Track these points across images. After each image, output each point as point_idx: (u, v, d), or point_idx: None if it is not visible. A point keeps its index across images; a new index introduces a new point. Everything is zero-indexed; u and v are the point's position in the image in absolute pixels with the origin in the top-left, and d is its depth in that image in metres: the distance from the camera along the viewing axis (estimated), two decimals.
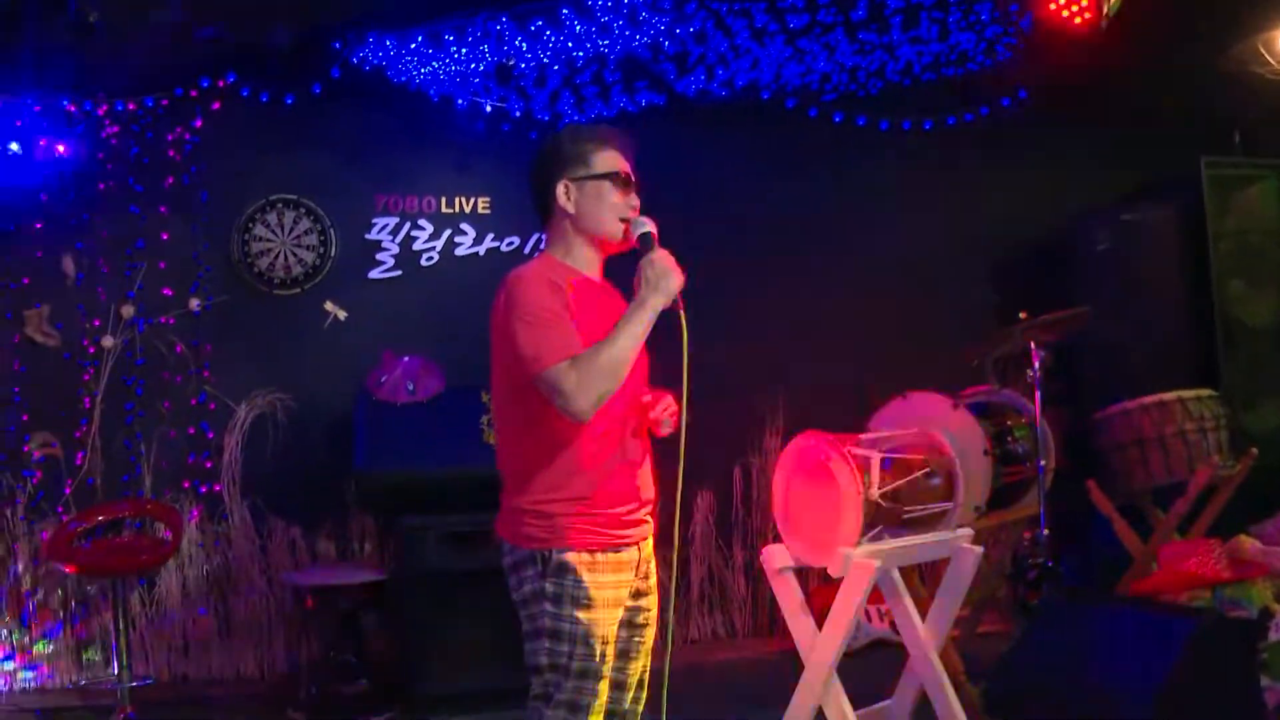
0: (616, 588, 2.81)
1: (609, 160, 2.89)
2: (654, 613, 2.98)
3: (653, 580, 2.97)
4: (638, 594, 2.91)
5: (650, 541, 2.96)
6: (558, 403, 2.65)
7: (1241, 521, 5.54)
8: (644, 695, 2.99)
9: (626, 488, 2.83)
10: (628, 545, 2.83)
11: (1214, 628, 3.75)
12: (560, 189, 2.89)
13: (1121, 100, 6.78)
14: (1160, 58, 6.49)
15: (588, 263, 2.90)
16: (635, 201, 2.90)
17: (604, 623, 2.77)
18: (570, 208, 2.89)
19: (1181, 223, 6.52)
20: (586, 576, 2.75)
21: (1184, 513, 5.45)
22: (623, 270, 2.91)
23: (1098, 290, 6.35)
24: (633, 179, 2.91)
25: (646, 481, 2.92)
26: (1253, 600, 4.91)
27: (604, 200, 2.87)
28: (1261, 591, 4.96)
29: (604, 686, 2.80)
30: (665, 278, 2.72)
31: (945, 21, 6.12)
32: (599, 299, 2.88)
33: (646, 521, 2.91)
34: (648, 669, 2.99)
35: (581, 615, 2.74)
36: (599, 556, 2.77)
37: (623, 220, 2.87)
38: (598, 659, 2.76)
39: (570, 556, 2.75)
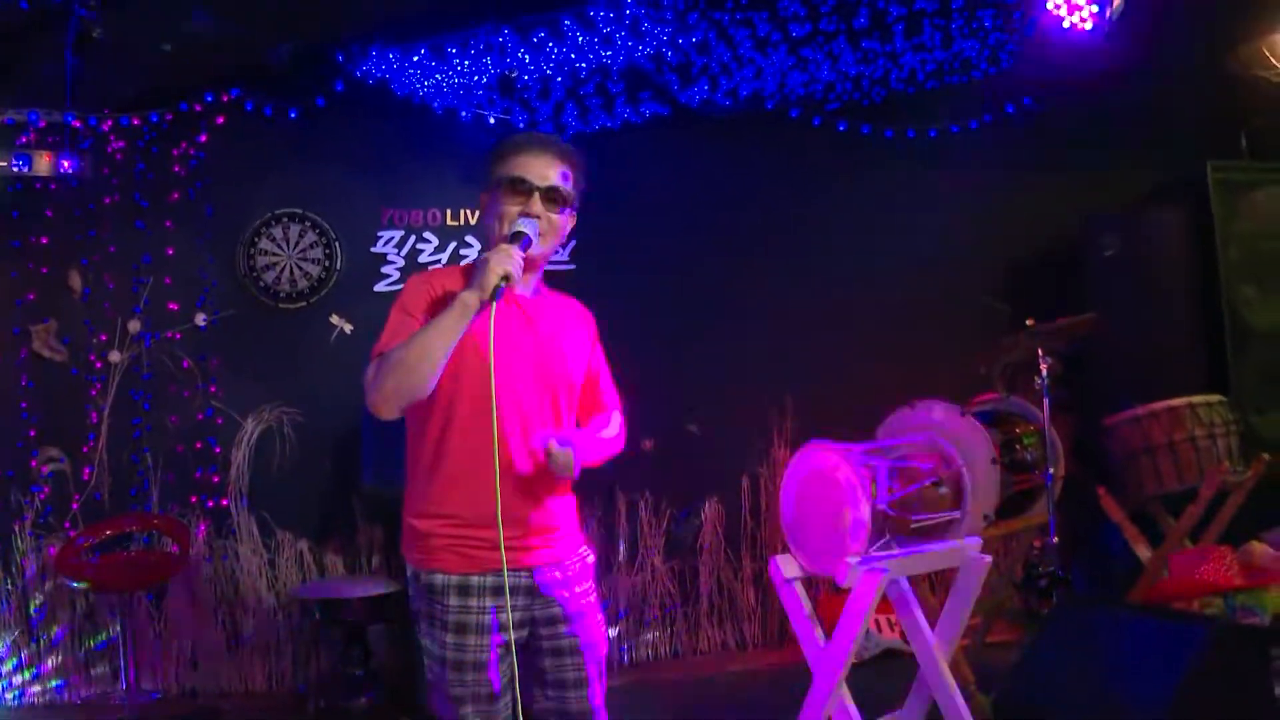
0: (493, 614, 2.66)
1: (511, 166, 2.79)
2: (583, 639, 2.79)
3: (563, 610, 2.76)
4: (551, 621, 2.76)
5: (566, 568, 2.80)
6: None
7: (1253, 528, 5.51)
8: None
9: (510, 510, 2.61)
10: (511, 569, 2.65)
11: (1226, 635, 3.72)
12: (481, 201, 2.89)
13: (1126, 105, 6.75)
14: (1165, 61, 6.48)
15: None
16: (535, 208, 2.75)
17: (476, 649, 2.65)
18: (483, 219, 2.87)
19: (1189, 227, 6.48)
20: (455, 600, 2.66)
21: (1195, 519, 5.42)
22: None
23: (1106, 296, 6.32)
24: (533, 185, 2.76)
25: (540, 507, 2.75)
26: (1265, 607, 4.89)
27: (498, 208, 2.78)
28: (1274, 598, 4.94)
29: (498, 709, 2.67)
30: (479, 273, 2.55)
31: (948, 29, 6.10)
32: (503, 311, 2.68)
33: (543, 547, 2.75)
34: (592, 695, 2.82)
35: (450, 639, 2.66)
36: (474, 580, 2.66)
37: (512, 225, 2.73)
38: (470, 684, 2.64)
39: (439, 579, 2.68)
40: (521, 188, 2.76)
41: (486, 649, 2.65)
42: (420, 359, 2.55)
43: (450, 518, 2.68)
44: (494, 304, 2.53)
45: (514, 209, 2.75)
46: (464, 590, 2.66)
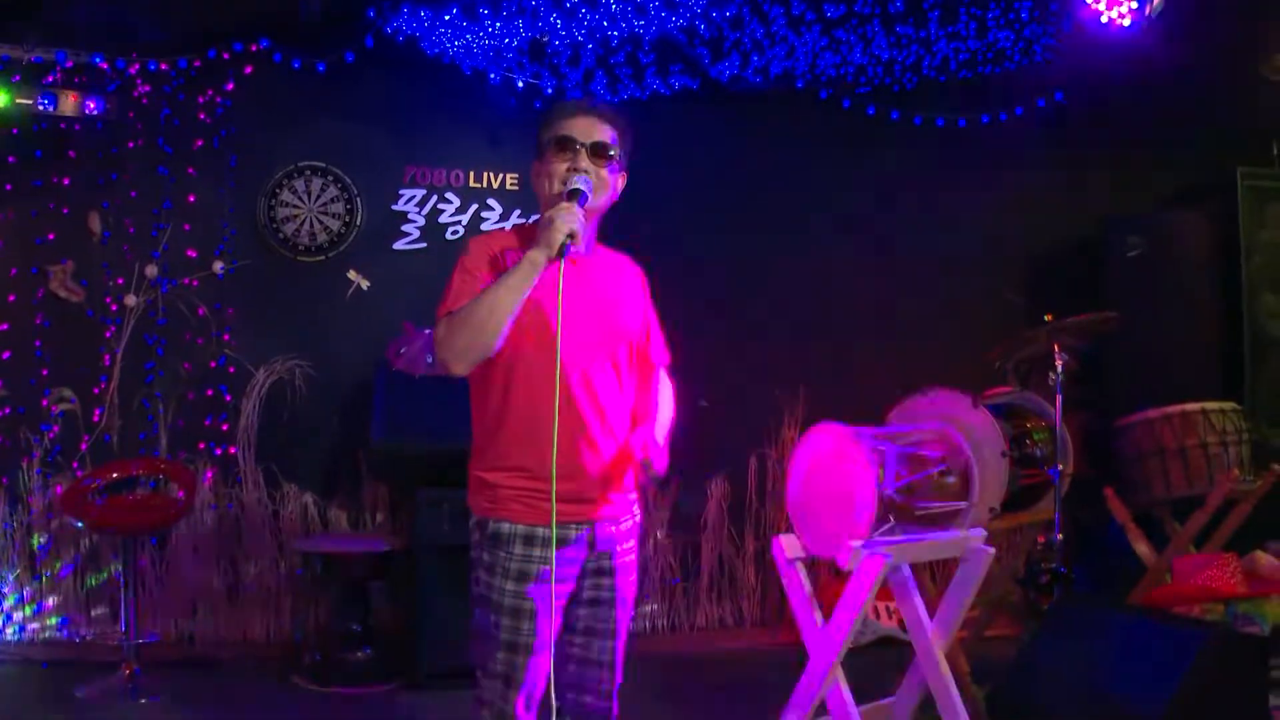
0: (558, 565, 2.70)
1: (557, 127, 2.84)
2: (620, 594, 2.89)
3: (611, 563, 2.86)
4: (598, 572, 2.84)
5: (621, 523, 2.89)
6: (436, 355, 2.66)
7: (1259, 538, 5.48)
8: (612, 676, 2.89)
9: (575, 464, 2.75)
10: (574, 522, 2.77)
11: (1225, 642, 3.71)
12: (532, 171, 2.92)
13: (1159, 105, 6.70)
14: (1201, 63, 6.41)
15: None
16: (583, 163, 2.79)
17: (537, 598, 2.71)
18: (535, 187, 2.90)
19: (1215, 232, 6.45)
20: (520, 550, 2.73)
21: (1201, 526, 5.39)
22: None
23: (1126, 296, 6.28)
24: (579, 141, 2.80)
25: (604, 462, 2.82)
26: (1266, 617, 4.87)
27: (546, 168, 2.83)
28: (1276, 608, 4.91)
29: (544, 661, 2.71)
30: (547, 230, 2.60)
31: (984, 18, 6.06)
32: (561, 272, 2.66)
33: (604, 503, 2.83)
34: (616, 648, 2.90)
35: (511, 588, 2.72)
36: (539, 531, 2.71)
37: (563, 183, 2.78)
38: (525, 634, 2.72)
39: (506, 528, 2.75)
40: (568, 145, 2.81)
41: (543, 599, 2.71)
42: (489, 316, 2.60)
43: (520, 470, 2.75)
44: (562, 261, 2.59)
45: (562, 166, 2.80)
46: (529, 540, 2.73)
